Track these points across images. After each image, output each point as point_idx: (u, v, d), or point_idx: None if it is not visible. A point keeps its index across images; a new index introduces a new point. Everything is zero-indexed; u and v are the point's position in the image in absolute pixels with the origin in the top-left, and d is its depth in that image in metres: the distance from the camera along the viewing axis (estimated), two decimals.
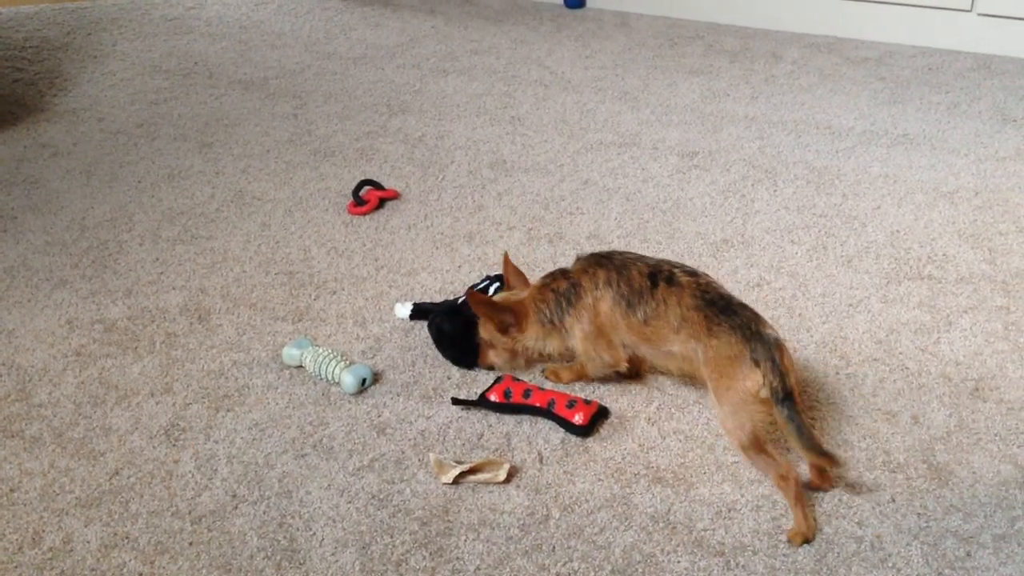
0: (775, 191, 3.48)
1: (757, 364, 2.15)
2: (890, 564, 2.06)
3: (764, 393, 2.13)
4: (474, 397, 2.53)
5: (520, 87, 4.42)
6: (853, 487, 2.25)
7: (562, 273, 2.48)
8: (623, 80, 4.46)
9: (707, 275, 2.37)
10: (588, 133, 3.96)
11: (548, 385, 2.57)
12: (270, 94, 4.43)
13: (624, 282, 2.37)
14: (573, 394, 2.48)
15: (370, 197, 3.44)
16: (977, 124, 3.93)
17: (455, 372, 2.64)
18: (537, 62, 4.69)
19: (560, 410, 2.42)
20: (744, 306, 2.28)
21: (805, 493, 2.19)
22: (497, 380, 2.53)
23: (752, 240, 3.19)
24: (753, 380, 2.14)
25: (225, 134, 4.05)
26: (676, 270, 2.35)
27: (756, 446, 2.17)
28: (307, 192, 3.57)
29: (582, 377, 2.57)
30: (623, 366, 2.47)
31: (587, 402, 2.44)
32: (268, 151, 3.89)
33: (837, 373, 2.60)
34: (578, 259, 2.49)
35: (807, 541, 2.12)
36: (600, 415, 2.45)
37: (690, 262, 3.01)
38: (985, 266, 3.01)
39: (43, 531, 2.20)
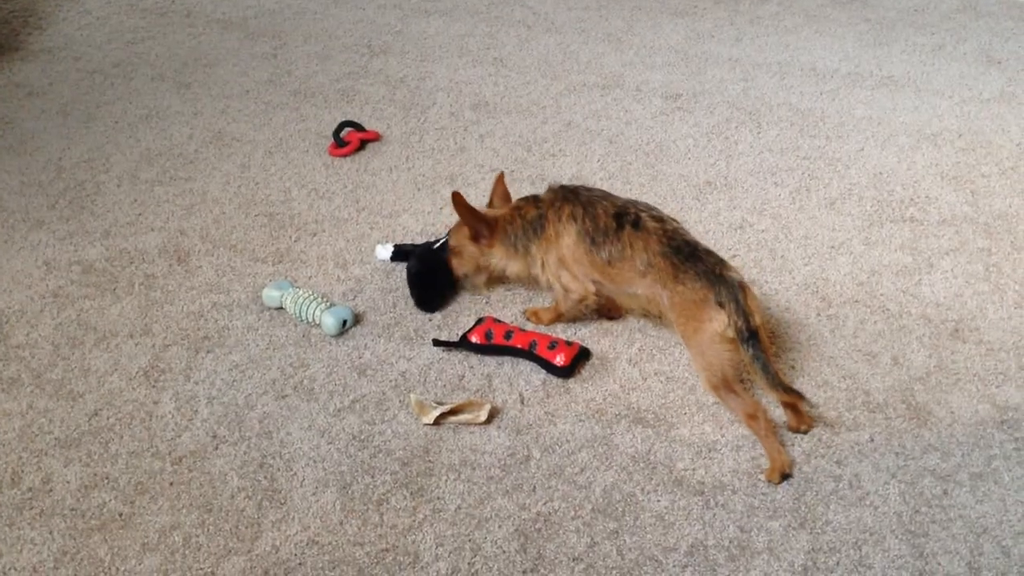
0: (759, 133, 3.46)
1: (722, 306, 2.16)
2: (868, 502, 2.08)
3: (730, 333, 2.15)
4: (455, 339, 2.52)
5: (503, 28, 4.36)
6: (832, 427, 2.26)
7: (534, 200, 2.50)
8: (607, 21, 4.41)
9: (674, 220, 2.37)
10: (571, 75, 3.92)
11: (529, 326, 2.57)
12: (249, 34, 4.36)
13: (589, 219, 2.37)
14: (554, 336, 2.48)
15: (351, 138, 3.41)
16: (962, 66, 3.91)
17: (436, 314, 2.63)
18: (520, 2, 4.63)
19: (541, 351, 2.42)
20: (709, 252, 2.28)
21: (778, 432, 2.21)
22: (479, 321, 2.52)
23: (735, 182, 3.17)
24: (719, 321, 2.16)
25: (203, 74, 3.99)
26: (643, 214, 2.35)
27: (726, 385, 2.19)
28: (287, 133, 3.53)
29: (560, 317, 2.57)
30: (591, 298, 2.48)
31: (568, 343, 2.44)
32: (247, 92, 3.84)
33: (818, 314, 2.60)
34: (549, 188, 2.50)
35: (785, 476, 2.14)
36: (581, 356, 2.45)
37: (673, 204, 3.01)
38: (967, 208, 3.01)
39: (22, 471, 2.19)
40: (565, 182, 2.57)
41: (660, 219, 2.34)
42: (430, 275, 2.63)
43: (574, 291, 2.46)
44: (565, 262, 2.43)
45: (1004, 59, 3.95)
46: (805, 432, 2.26)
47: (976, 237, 2.88)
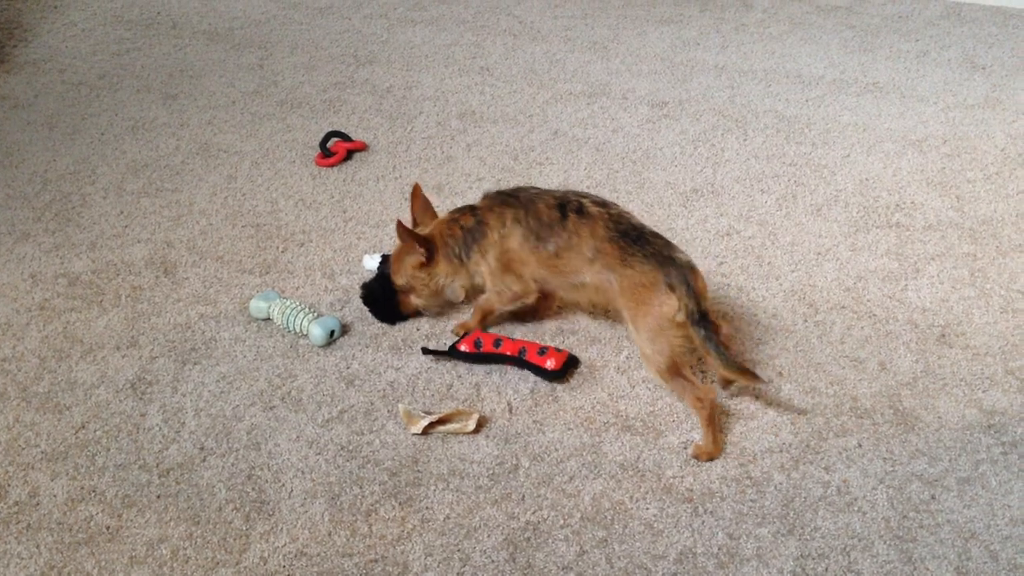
0: (745, 140, 3.47)
1: (672, 288, 2.17)
2: (856, 508, 2.09)
3: (680, 317, 2.16)
4: (444, 348, 2.52)
5: (489, 37, 4.37)
6: (820, 433, 2.26)
7: (470, 209, 2.48)
8: (592, 29, 4.42)
9: (616, 204, 2.37)
10: (557, 83, 3.93)
11: (518, 334, 2.57)
12: (235, 45, 4.36)
13: (532, 216, 2.37)
14: (543, 343, 2.48)
15: (338, 149, 3.41)
16: (946, 72, 3.93)
17: (424, 323, 2.63)
18: (506, 11, 4.64)
19: (532, 357, 2.42)
20: (656, 235, 2.29)
21: (719, 421, 2.27)
22: (467, 332, 2.52)
23: (722, 189, 3.18)
24: (669, 305, 2.17)
25: (189, 85, 3.99)
26: (585, 200, 2.35)
27: (673, 370, 2.21)
28: (274, 144, 3.53)
29: (489, 312, 2.56)
30: (532, 296, 2.49)
31: (558, 350, 2.44)
32: (234, 102, 3.84)
33: (805, 321, 2.61)
34: (485, 196, 2.49)
35: (711, 459, 2.19)
36: (571, 364, 2.45)
37: (660, 212, 3.02)
38: (953, 213, 3.03)
39: (8, 485, 2.18)
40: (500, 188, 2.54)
41: (603, 204, 2.35)
42: (384, 290, 2.62)
43: (517, 290, 2.47)
44: (512, 265, 2.42)
45: (988, 65, 3.97)
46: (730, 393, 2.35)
47: (962, 242, 2.89)
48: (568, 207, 2.34)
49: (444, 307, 2.67)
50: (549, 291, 2.51)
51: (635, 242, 2.25)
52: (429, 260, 2.49)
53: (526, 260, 2.40)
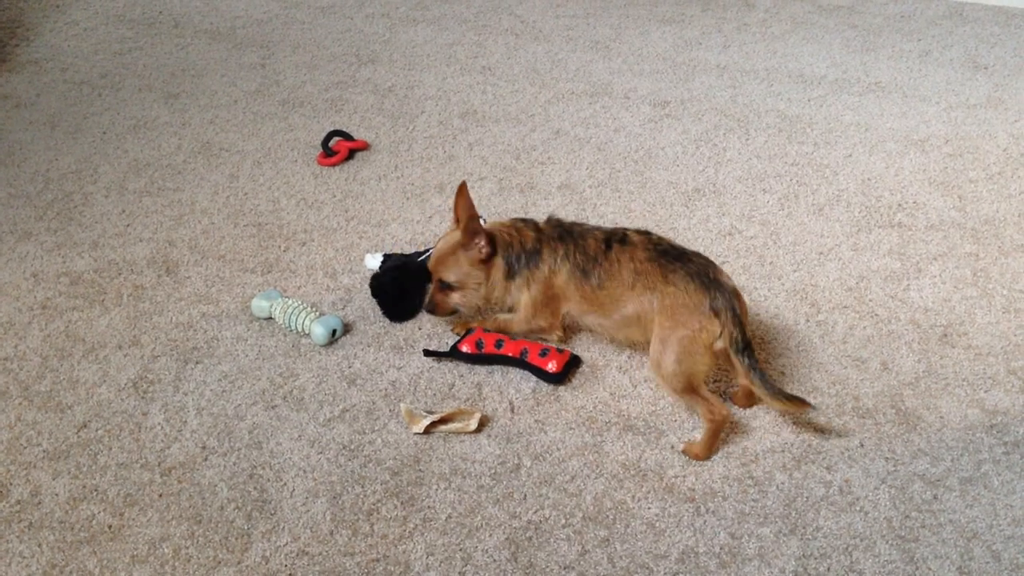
0: (747, 140, 3.47)
1: (717, 314, 2.14)
2: (858, 508, 2.08)
3: (720, 344, 2.14)
4: (445, 348, 2.52)
5: (491, 36, 4.37)
6: (822, 432, 2.26)
7: (534, 228, 2.42)
8: (594, 29, 4.42)
9: (657, 234, 2.35)
10: (559, 83, 3.93)
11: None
12: (237, 44, 4.36)
13: (579, 252, 2.34)
14: (545, 343, 2.48)
15: (340, 148, 3.40)
16: (948, 72, 3.92)
17: (426, 323, 2.63)
18: (508, 11, 4.64)
19: (533, 359, 2.42)
20: (697, 254, 2.27)
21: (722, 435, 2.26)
22: (468, 331, 2.52)
23: (724, 189, 3.18)
24: (710, 332, 2.14)
25: (191, 84, 3.99)
26: (629, 231, 2.34)
27: (690, 391, 2.18)
28: (276, 143, 3.53)
29: (505, 331, 2.52)
30: (557, 335, 2.47)
31: (560, 350, 2.44)
32: (236, 102, 3.84)
33: (808, 320, 2.61)
34: (548, 220, 2.45)
35: (696, 459, 2.20)
36: (572, 364, 2.45)
37: (662, 211, 3.02)
38: (955, 213, 3.02)
39: (10, 484, 2.18)
40: (562, 217, 2.48)
41: (647, 233, 2.34)
42: (397, 287, 2.62)
43: (544, 326, 2.46)
44: (551, 302, 2.40)
45: (990, 64, 3.97)
46: (747, 408, 2.33)
47: (964, 242, 2.89)
48: (614, 239, 2.32)
49: (483, 310, 2.60)
50: (573, 327, 2.48)
51: (676, 259, 2.23)
52: (489, 259, 2.41)
53: (570, 296, 2.37)
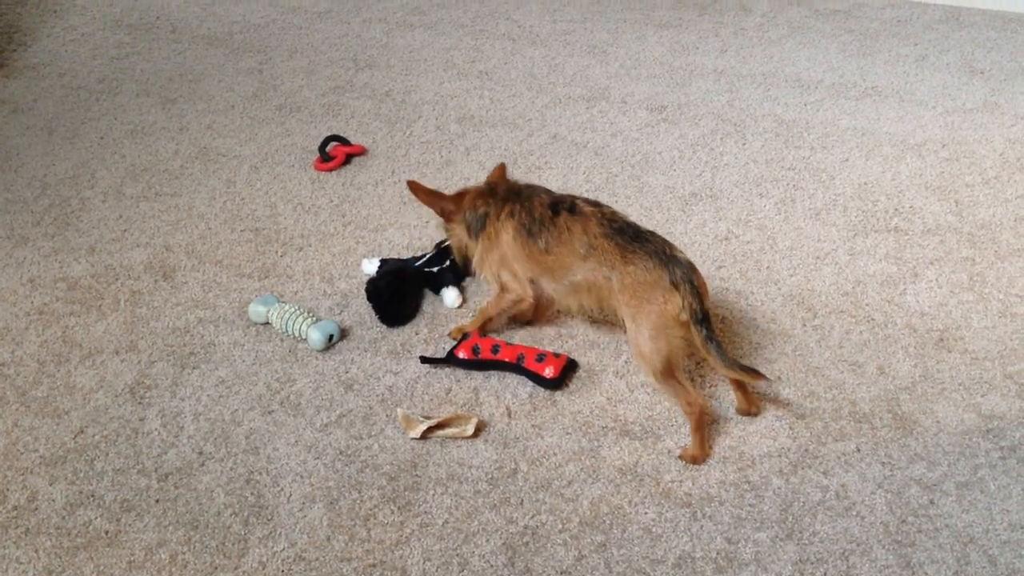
0: (744, 144, 3.47)
1: (676, 287, 2.17)
2: (855, 512, 2.09)
3: (684, 315, 2.16)
4: (442, 354, 2.52)
5: (488, 41, 4.37)
6: (818, 437, 2.26)
7: (490, 193, 2.50)
8: (591, 34, 4.43)
9: (609, 205, 2.38)
10: (556, 87, 3.93)
11: (516, 340, 2.57)
12: (234, 49, 4.36)
13: (526, 212, 2.39)
14: (542, 348, 2.48)
15: (337, 153, 3.41)
16: (945, 76, 3.93)
17: (423, 328, 2.63)
18: (505, 16, 4.64)
19: (530, 364, 2.42)
20: (653, 233, 2.30)
21: (709, 428, 2.27)
22: (464, 337, 2.52)
23: (721, 193, 3.18)
24: (673, 303, 2.16)
25: (189, 89, 3.99)
26: (578, 200, 2.37)
27: (668, 372, 2.20)
28: (273, 148, 3.53)
29: (489, 322, 2.57)
30: (528, 301, 2.49)
31: (556, 355, 2.44)
32: (233, 107, 3.84)
33: (804, 325, 2.61)
34: (503, 181, 2.53)
35: (695, 463, 2.20)
36: (569, 368, 2.45)
37: (659, 216, 3.02)
38: (951, 218, 3.03)
39: (7, 490, 2.18)
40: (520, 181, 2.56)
41: (596, 204, 2.37)
42: (390, 293, 2.63)
43: (512, 291, 2.48)
44: (505, 260, 2.44)
45: (987, 69, 3.97)
46: (755, 415, 2.32)
47: (960, 247, 2.89)
48: (561, 205, 2.36)
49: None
50: (547, 299, 2.51)
51: (634, 239, 2.25)
52: (453, 218, 2.55)
53: (518, 256, 2.41)
